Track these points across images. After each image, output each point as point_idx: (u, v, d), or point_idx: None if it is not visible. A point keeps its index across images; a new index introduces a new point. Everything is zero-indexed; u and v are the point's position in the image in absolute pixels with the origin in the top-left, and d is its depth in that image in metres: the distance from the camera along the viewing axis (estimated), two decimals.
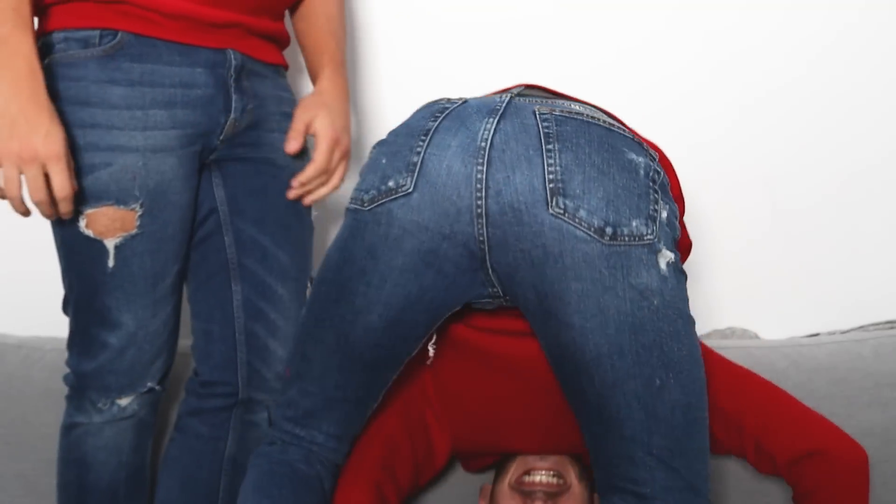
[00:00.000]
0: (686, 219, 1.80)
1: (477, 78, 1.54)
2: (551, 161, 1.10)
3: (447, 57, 1.80)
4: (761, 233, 1.86)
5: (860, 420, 1.56)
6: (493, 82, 1.47)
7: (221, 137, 1.31)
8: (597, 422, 1.14)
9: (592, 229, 1.08)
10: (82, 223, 1.22)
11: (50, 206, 1.17)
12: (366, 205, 1.17)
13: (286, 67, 1.46)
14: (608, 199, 1.09)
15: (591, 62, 1.72)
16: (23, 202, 1.17)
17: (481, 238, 1.12)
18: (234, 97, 1.30)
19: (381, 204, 1.16)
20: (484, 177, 1.11)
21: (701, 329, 1.84)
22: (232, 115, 1.30)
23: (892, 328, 1.71)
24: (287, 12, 1.49)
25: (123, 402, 1.35)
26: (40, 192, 1.15)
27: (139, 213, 1.23)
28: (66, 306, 1.33)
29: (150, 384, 1.36)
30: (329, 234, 1.88)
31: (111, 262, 1.24)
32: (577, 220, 1.08)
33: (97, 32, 1.20)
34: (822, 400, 1.57)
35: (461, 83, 1.55)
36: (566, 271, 1.09)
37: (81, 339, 1.32)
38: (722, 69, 1.79)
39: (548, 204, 1.08)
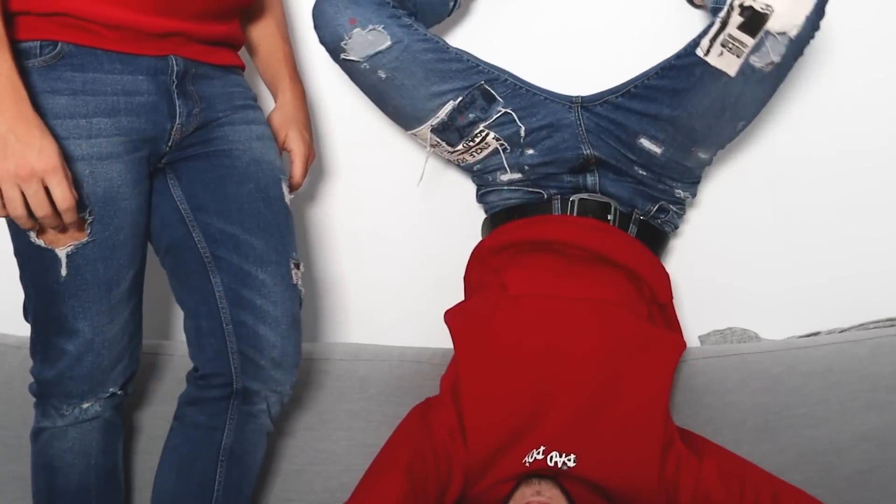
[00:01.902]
0: (686, 218, 1.78)
1: None
2: None
3: None
4: (762, 232, 1.83)
5: (856, 424, 1.52)
6: None
7: (170, 144, 1.31)
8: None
9: None
10: (33, 233, 1.22)
11: (55, 218, 1.18)
12: None
13: (242, 67, 1.45)
14: None
15: (586, 59, 1.70)
16: (30, 219, 1.18)
17: None
18: (178, 102, 1.29)
19: None
20: None
21: (701, 329, 1.84)
22: (177, 121, 1.30)
23: (892, 325, 1.66)
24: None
25: (85, 405, 1.36)
26: (44, 206, 1.16)
27: (89, 221, 1.23)
28: (27, 314, 1.34)
29: (111, 389, 1.36)
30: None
31: (63, 272, 1.24)
32: None
33: (37, 44, 1.19)
34: (817, 405, 1.54)
35: None
36: None
37: (42, 346, 1.32)
38: None
39: None
